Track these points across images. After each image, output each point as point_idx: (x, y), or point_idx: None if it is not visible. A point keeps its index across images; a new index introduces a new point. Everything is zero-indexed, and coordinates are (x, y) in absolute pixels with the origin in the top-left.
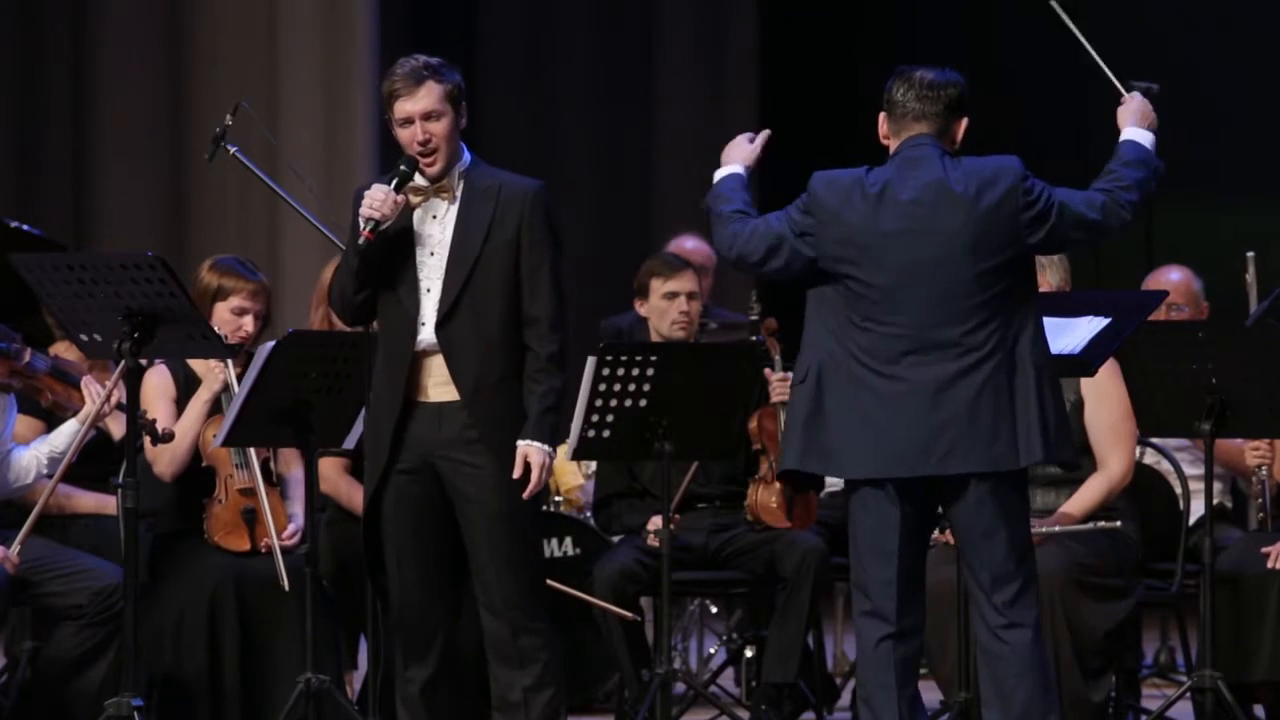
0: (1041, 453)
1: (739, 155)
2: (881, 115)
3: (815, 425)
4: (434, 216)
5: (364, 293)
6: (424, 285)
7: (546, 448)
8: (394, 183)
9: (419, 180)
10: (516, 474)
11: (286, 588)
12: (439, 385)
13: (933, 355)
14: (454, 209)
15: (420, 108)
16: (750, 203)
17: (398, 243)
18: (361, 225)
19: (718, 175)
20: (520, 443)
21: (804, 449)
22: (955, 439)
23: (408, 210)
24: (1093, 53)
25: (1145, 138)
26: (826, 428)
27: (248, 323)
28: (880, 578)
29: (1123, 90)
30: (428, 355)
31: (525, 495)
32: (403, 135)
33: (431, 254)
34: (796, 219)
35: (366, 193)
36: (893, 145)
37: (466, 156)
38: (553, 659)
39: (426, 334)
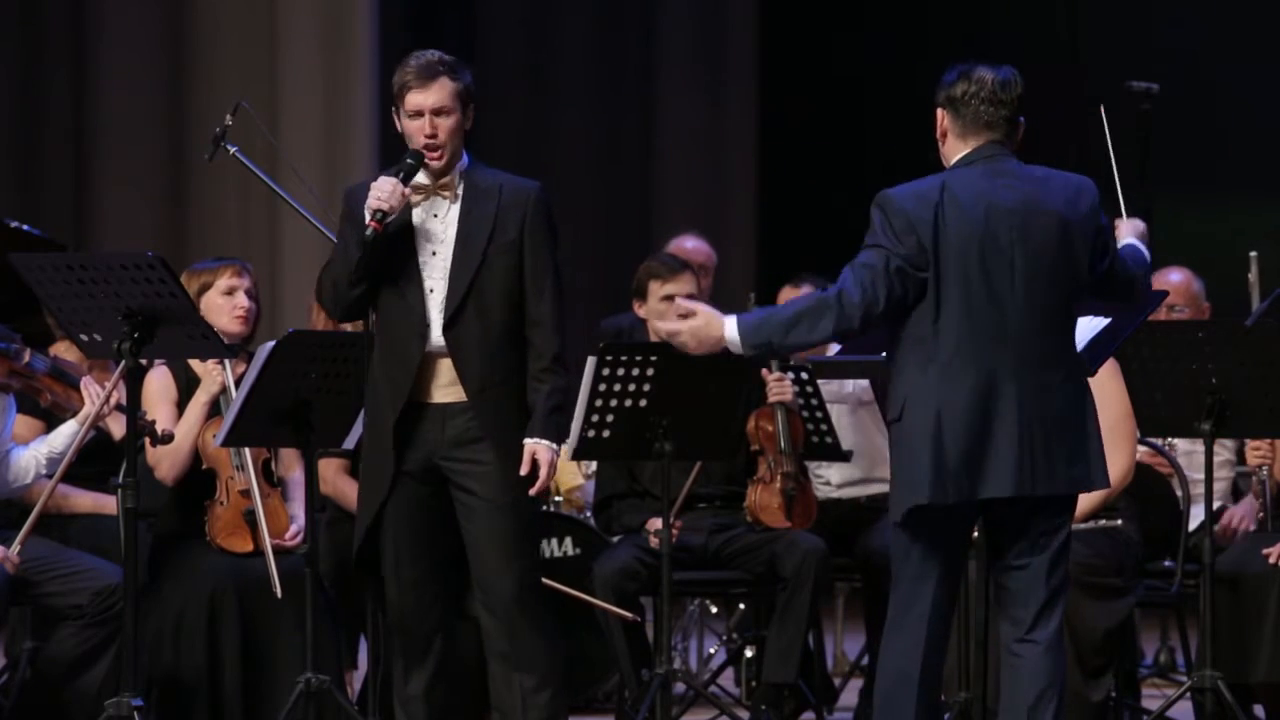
0: (1105, 479)
1: None
2: (940, 111)
3: (917, 458)
4: (435, 215)
5: (360, 287)
6: (427, 285)
7: (554, 446)
8: (400, 175)
9: (420, 178)
10: (524, 471)
11: (279, 594)
12: (444, 386)
13: (1026, 371)
14: (455, 208)
15: (431, 102)
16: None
17: (399, 241)
18: (368, 216)
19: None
20: (528, 441)
21: (914, 485)
22: (1047, 458)
23: (407, 208)
24: (1115, 171)
25: (1144, 250)
26: (925, 457)
27: (242, 299)
28: (915, 610)
29: (1124, 210)
30: (434, 357)
31: (533, 492)
32: (410, 127)
33: (434, 253)
34: (883, 242)
35: (373, 184)
36: (951, 145)
37: (465, 157)
38: (553, 660)
39: (434, 335)
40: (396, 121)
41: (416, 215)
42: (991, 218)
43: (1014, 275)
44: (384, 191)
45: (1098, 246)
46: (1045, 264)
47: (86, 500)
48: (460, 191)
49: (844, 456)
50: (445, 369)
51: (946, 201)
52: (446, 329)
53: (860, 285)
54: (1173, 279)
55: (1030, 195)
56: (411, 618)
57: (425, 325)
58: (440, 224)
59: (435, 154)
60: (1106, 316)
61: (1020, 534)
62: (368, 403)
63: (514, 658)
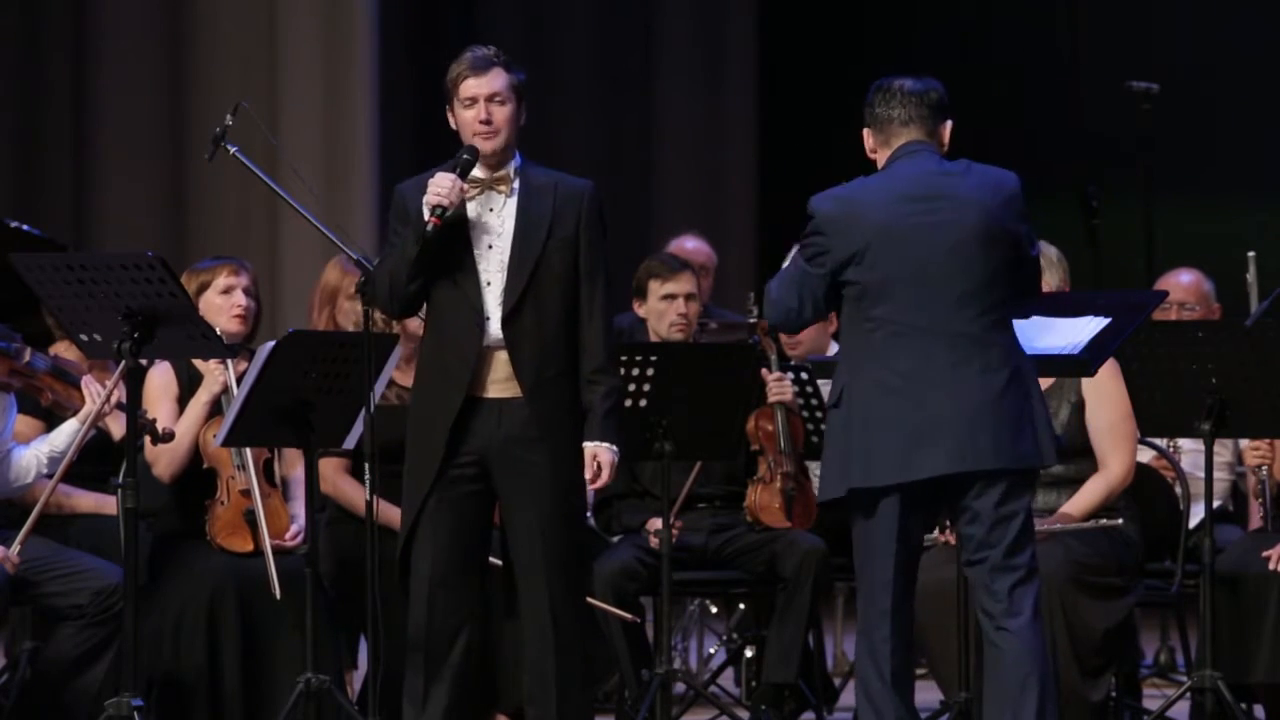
0: (1053, 455)
1: None
2: (865, 130)
3: (851, 444)
4: (491, 209)
5: (418, 281)
6: (484, 279)
7: (614, 448)
8: (457, 170)
9: (476, 172)
10: (588, 475)
11: (278, 595)
12: (499, 381)
13: (956, 354)
14: (512, 202)
15: (486, 89)
16: None
17: (455, 235)
18: (427, 212)
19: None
20: (588, 444)
21: (845, 471)
22: (986, 436)
23: (462, 202)
24: None
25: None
26: (859, 441)
27: (239, 298)
28: (878, 607)
29: None
30: (491, 350)
31: (595, 487)
32: (465, 116)
33: (490, 247)
34: (807, 246)
35: (431, 180)
36: (881, 156)
37: (517, 156)
38: (587, 657)
39: (492, 329)
40: (450, 119)
41: (472, 209)
42: (904, 212)
43: (930, 265)
44: (443, 188)
45: (1025, 231)
46: (961, 253)
47: (87, 500)
48: (516, 186)
49: None
50: (501, 363)
51: (863, 201)
52: (506, 322)
53: (782, 286)
54: (1183, 280)
55: (944, 187)
56: (439, 616)
57: (483, 318)
58: (497, 218)
59: (488, 135)
60: (1106, 316)
61: (974, 527)
62: (415, 397)
63: (551, 654)
